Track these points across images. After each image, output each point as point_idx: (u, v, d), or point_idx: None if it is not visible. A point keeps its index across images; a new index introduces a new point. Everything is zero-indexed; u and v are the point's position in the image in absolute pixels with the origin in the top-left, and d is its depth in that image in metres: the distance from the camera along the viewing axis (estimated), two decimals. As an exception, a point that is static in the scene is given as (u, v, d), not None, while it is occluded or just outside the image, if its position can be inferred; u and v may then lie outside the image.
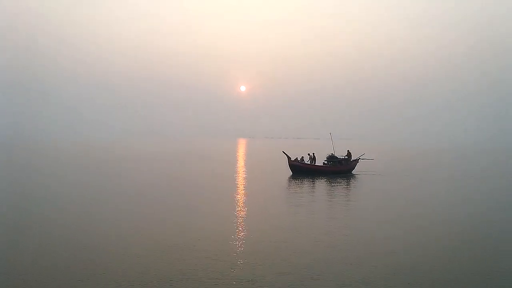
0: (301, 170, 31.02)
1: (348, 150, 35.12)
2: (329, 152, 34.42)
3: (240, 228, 13.60)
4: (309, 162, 32.39)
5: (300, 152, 36.48)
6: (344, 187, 25.36)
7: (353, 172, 33.62)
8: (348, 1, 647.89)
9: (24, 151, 62.81)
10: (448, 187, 27.07)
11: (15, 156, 51.56)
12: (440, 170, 40.53)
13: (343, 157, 33.65)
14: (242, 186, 25.24)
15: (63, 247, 10.97)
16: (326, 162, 33.08)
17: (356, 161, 34.66)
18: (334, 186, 25.73)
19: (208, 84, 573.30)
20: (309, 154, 33.28)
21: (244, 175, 31.10)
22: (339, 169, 32.22)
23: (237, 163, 45.79)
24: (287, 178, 28.86)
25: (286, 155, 31.43)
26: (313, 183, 26.60)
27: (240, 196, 20.85)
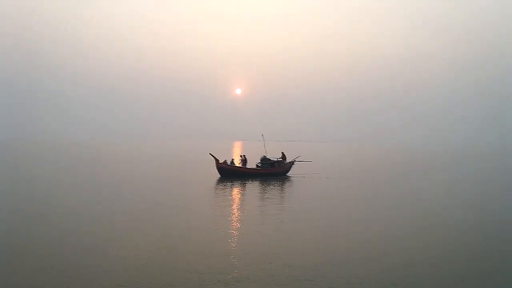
0: (230, 172, 29.51)
1: (282, 152, 34.15)
2: (276, 154, 33.53)
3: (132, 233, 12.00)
4: (240, 165, 31.06)
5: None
6: (270, 189, 23.96)
7: (288, 174, 32.61)
8: (346, 3, 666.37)
9: (19, 151, 64.25)
10: (387, 189, 26.60)
11: (12, 156, 52.19)
12: (391, 172, 40.31)
13: (277, 159, 32.63)
14: (158, 187, 23.34)
15: (56, 246, 10.76)
16: (259, 164, 31.90)
17: (292, 163, 33.71)
18: (259, 188, 24.37)
19: (204, 87, 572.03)
20: (241, 156, 31.98)
21: (171, 177, 28.98)
22: (271, 171, 31.01)
23: (178, 164, 43.36)
24: (213, 181, 27.24)
25: (213, 157, 29.82)
26: (239, 186, 24.99)
27: (151, 198, 18.96)
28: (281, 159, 32.79)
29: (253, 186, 25.20)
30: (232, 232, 12.94)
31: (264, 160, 31.63)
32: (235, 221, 14.88)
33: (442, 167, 49.63)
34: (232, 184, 25.62)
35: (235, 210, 17.30)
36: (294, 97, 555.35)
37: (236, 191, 23.01)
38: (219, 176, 29.25)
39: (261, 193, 22.73)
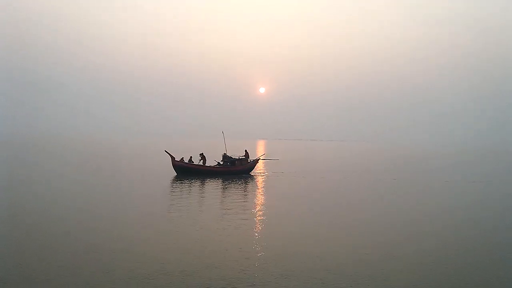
0: (187, 170, 28.08)
1: (245, 150, 32.98)
2: (235, 152, 32.35)
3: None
4: (201, 163, 29.65)
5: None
6: (226, 188, 22.64)
7: (252, 172, 31.39)
8: (364, 3, 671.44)
9: (21, 147, 62.43)
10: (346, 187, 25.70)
11: (14, 152, 49.91)
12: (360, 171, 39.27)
13: (239, 157, 31.41)
14: (105, 183, 21.76)
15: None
16: (222, 162, 30.58)
17: (256, 161, 32.55)
18: (215, 186, 23.01)
19: (228, 86, 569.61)
20: (201, 154, 30.59)
21: (126, 174, 27.20)
22: (231, 169, 29.65)
23: (149, 161, 41.27)
24: (168, 179, 25.71)
25: (170, 154, 28.32)
26: (195, 184, 23.45)
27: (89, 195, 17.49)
28: (243, 157, 31.58)
29: (209, 185, 23.74)
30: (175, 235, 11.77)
31: (225, 158, 30.36)
32: (179, 221, 13.59)
33: (454, 167, 49.06)
34: (187, 182, 24.13)
35: (184, 209, 15.90)
36: (318, 96, 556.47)
37: (190, 190, 21.48)
38: (175, 174, 27.81)
39: (215, 191, 21.32)
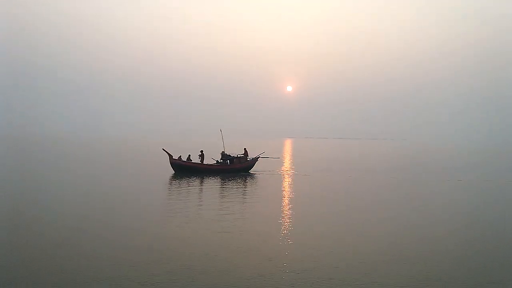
0: (184, 168, 28.04)
1: (244, 148, 32.85)
2: (232, 150, 32.30)
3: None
4: (199, 160, 29.62)
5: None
6: (224, 186, 22.50)
7: (252, 171, 31.25)
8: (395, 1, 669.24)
9: (31, 145, 64.83)
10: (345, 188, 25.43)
11: (22, 150, 51.43)
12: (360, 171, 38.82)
13: (237, 155, 31.31)
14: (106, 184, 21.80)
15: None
16: (221, 160, 30.51)
17: (255, 159, 32.41)
18: (214, 185, 22.89)
19: (255, 85, 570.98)
20: (201, 151, 30.58)
21: (121, 173, 27.16)
22: (229, 167, 29.58)
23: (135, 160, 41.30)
24: (166, 177, 25.68)
25: (167, 152, 28.31)
26: (192, 183, 23.30)
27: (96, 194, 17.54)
28: (242, 155, 31.47)
29: (207, 182, 23.57)
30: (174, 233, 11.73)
31: (223, 156, 30.28)
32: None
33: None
34: (185, 180, 23.97)
35: (181, 207, 15.81)
36: (345, 94, 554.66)
37: (188, 188, 21.34)
38: (172, 172, 27.79)
39: (213, 189, 21.19)
